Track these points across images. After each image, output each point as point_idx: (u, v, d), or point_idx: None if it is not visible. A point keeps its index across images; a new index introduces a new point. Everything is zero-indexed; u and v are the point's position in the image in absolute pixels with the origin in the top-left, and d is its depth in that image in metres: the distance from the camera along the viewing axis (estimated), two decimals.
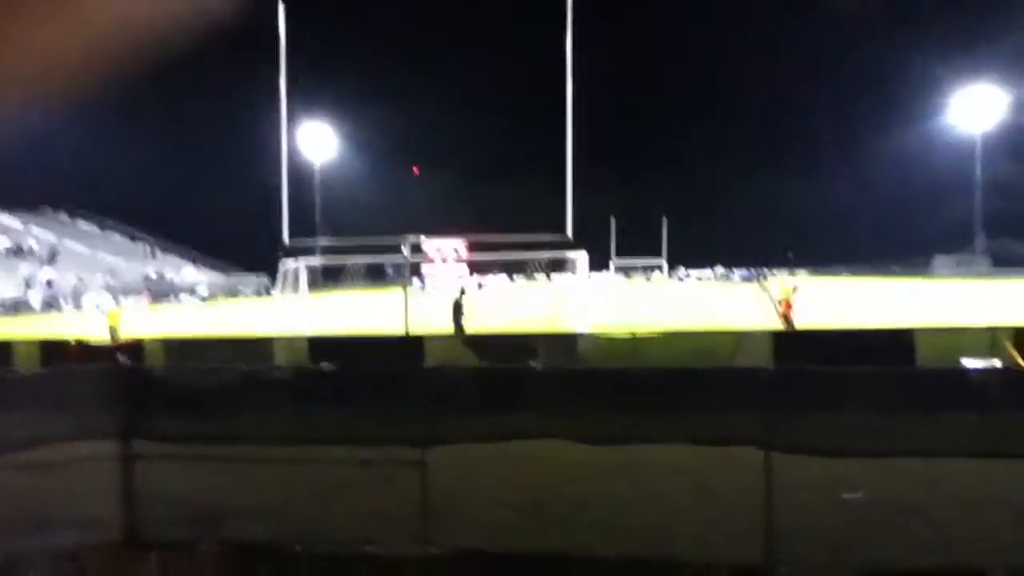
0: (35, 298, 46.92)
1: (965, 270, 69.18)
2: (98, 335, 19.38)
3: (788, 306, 18.75)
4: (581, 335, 17.57)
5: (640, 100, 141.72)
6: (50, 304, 46.16)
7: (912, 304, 32.70)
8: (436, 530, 5.26)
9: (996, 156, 72.87)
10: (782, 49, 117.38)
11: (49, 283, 51.67)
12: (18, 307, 44.53)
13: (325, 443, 6.08)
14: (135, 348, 15.16)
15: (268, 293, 54.45)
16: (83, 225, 72.83)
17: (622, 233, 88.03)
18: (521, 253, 24.56)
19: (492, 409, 6.22)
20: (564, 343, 16.25)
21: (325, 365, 11.29)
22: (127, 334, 20.48)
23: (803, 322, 18.82)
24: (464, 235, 22.62)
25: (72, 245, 64.17)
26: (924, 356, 11.86)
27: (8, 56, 1.27)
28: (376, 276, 63.12)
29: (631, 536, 5.42)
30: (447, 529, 5.36)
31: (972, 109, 69.56)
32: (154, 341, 16.33)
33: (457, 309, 19.65)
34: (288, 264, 23.41)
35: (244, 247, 66.62)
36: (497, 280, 63.46)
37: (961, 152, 73.28)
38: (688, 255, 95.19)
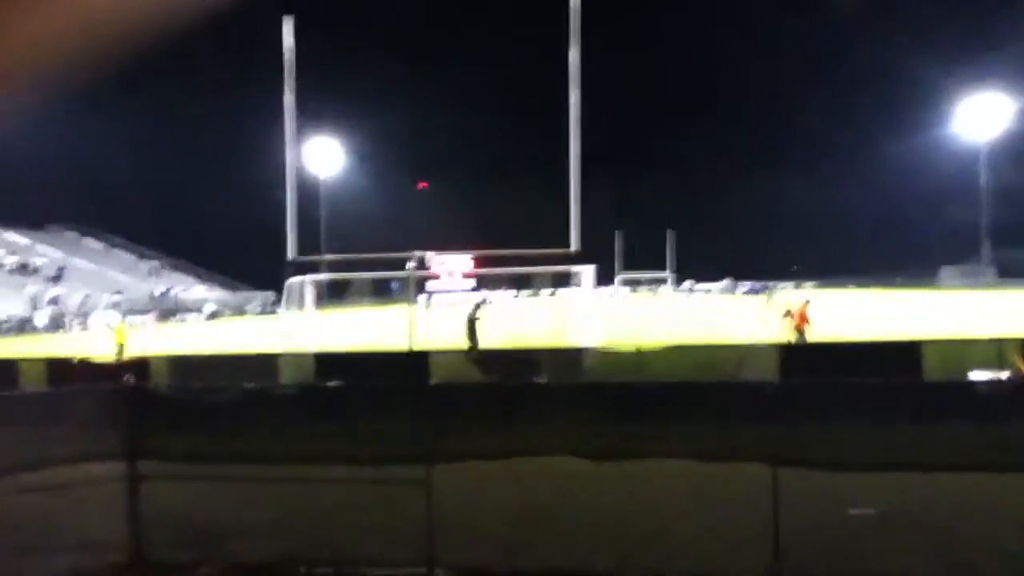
0: (41, 316, 47.06)
1: (971, 281, 68.80)
2: (104, 353, 19.42)
3: (803, 319, 18.65)
4: (587, 349, 17.52)
5: (640, 100, 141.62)
6: (57, 322, 46.26)
7: (919, 315, 32.55)
8: (441, 549, 5.22)
9: (1002, 165, 72.19)
10: (786, 57, 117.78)
11: (56, 301, 51.85)
12: (24, 325, 44.64)
13: (329, 461, 6.04)
14: (140, 366, 15.17)
15: (274, 311, 54.59)
16: (90, 243, 73.22)
17: (626, 244, 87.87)
18: (528, 268, 24.55)
19: (496, 424, 6.19)
20: (569, 358, 16.22)
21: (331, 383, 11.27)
22: (133, 352, 20.54)
23: (814, 335, 18.75)
24: (470, 250, 22.65)
25: (79, 263, 64.48)
26: (931, 368, 11.79)
27: (20, 74, 1.27)
28: (382, 292, 63.23)
29: (635, 549, 5.37)
30: (452, 548, 5.31)
31: (977, 118, 68.37)
32: (159, 359, 16.36)
33: (471, 324, 19.64)
34: (294, 281, 23.45)
35: (250, 264, 67.01)
36: (504, 295, 63.33)
37: (966, 161, 72.80)
38: (693, 267, 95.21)
